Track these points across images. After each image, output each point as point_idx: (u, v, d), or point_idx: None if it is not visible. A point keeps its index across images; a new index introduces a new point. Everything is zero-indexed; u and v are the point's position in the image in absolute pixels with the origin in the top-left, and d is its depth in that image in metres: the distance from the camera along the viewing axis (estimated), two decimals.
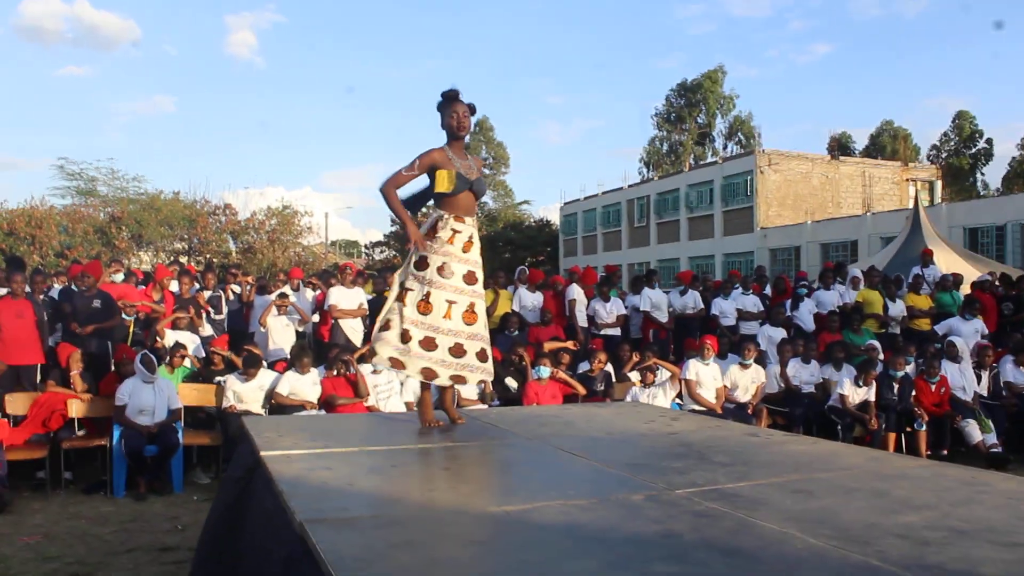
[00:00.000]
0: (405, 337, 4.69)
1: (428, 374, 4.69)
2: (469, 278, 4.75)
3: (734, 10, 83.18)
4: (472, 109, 4.76)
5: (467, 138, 5.00)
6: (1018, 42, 75.44)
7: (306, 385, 8.87)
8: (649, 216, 42.91)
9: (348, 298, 10.85)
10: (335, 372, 9.06)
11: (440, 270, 4.67)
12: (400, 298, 4.77)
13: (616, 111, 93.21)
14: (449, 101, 4.71)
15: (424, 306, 4.66)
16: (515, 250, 47.00)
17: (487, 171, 54.44)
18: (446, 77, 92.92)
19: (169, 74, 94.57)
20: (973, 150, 49.74)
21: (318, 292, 11.84)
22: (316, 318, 11.47)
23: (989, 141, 49.56)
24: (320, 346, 10.59)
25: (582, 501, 3.17)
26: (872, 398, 9.84)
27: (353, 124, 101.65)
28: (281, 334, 10.56)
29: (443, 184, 4.62)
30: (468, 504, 3.20)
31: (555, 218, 52.80)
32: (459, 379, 4.79)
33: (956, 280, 13.69)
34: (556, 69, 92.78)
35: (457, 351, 4.70)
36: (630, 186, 45.71)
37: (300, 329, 10.99)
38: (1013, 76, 78.13)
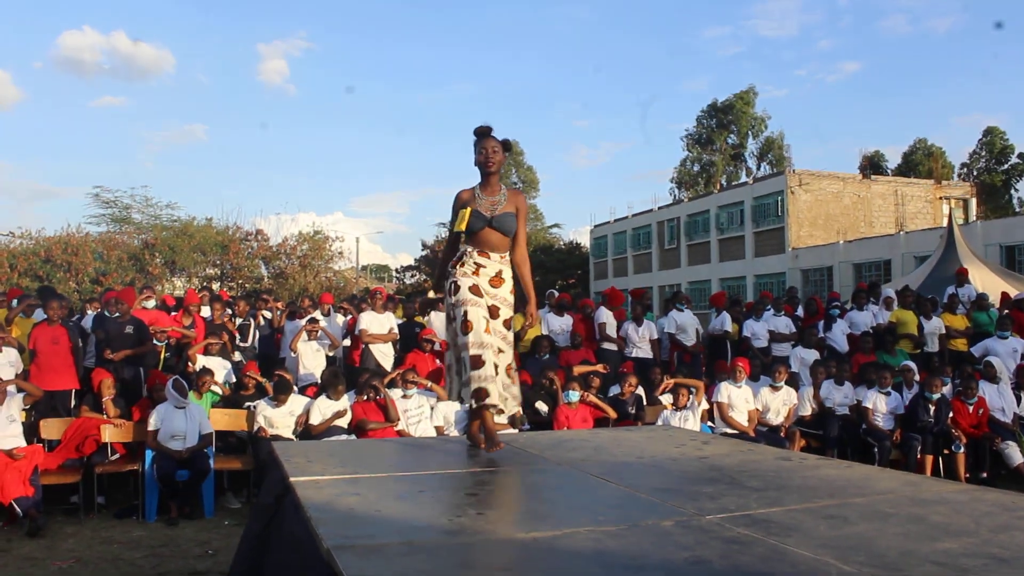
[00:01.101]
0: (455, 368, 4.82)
1: (481, 394, 4.61)
2: (492, 312, 4.76)
3: (761, 30, 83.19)
4: (505, 145, 4.79)
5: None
6: None
7: (336, 411, 8.88)
8: (679, 238, 42.78)
9: (378, 323, 10.88)
10: (365, 397, 9.07)
11: (472, 289, 4.70)
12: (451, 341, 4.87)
13: (644, 133, 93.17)
14: (479, 137, 4.76)
15: (466, 325, 4.64)
16: (545, 273, 46.95)
17: None
18: (476, 102, 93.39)
19: (202, 102, 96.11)
20: (1005, 166, 49.15)
21: (348, 317, 11.88)
22: (347, 343, 11.50)
23: (1022, 156, 48.91)
24: (351, 371, 10.61)
25: (611, 527, 3.13)
26: (900, 410, 9.90)
27: (384, 150, 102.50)
28: (311, 359, 10.59)
29: (458, 222, 4.75)
30: (496, 531, 3.17)
31: (585, 241, 52.83)
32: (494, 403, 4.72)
33: (1006, 301, 13.49)
34: (584, 93, 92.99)
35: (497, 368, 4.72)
36: (660, 208, 45.62)
37: (330, 354, 11.02)
38: None
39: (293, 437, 8.72)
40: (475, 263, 4.76)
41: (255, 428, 8.84)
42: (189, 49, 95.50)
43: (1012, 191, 49.10)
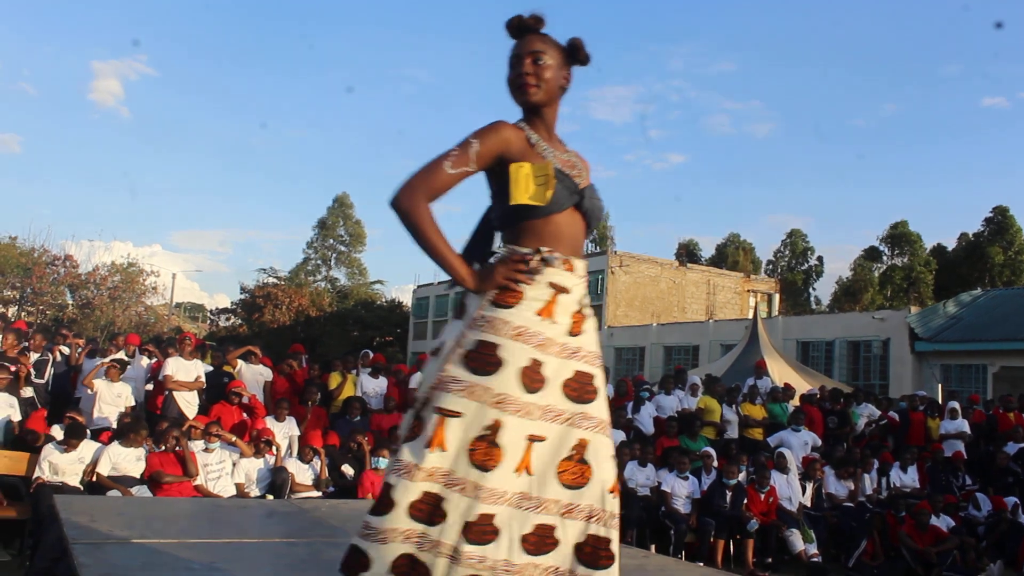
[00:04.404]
0: (417, 509, 2.28)
1: None
2: (580, 392, 2.41)
3: (596, 113, 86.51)
4: (574, 50, 2.56)
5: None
6: (853, 171, 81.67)
7: (130, 460, 8.38)
8: None
9: (185, 370, 10.38)
10: (164, 447, 8.63)
11: (526, 375, 2.33)
12: (415, 431, 2.36)
13: (474, 197, 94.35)
14: (512, 36, 2.53)
15: (484, 453, 2.28)
16: (364, 329, 46.48)
17: (342, 248, 53.88)
18: (307, 147, 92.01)
19: (21, 112, 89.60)
20: (805, 266, 52.97)
21: (153, 360, 11.32)
22: (150, 387, 10.95)
23: (820, 259, 53.10)
24: (151, 418, 10.09)
25: None
26: (697, 495, 10.20)
27: (213, 186, 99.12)
28: (111, 403, 10.00)
29: (524, 188, 2.38)
30: None
31: (408, 300, 52.68)
32: None
33: (787, 392, 14.32)
34: (418, 152, 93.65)
35: (537, 542, 2.34)
36: None
37: (133, 399, 10.43)
38: (843, 202, 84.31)
39: (81, 487, 8.18)
40: (551, 285, 2.42)
41: (36, 474, 8.21)
42: (17, 53, 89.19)
43: (811, 290, 52.82)
